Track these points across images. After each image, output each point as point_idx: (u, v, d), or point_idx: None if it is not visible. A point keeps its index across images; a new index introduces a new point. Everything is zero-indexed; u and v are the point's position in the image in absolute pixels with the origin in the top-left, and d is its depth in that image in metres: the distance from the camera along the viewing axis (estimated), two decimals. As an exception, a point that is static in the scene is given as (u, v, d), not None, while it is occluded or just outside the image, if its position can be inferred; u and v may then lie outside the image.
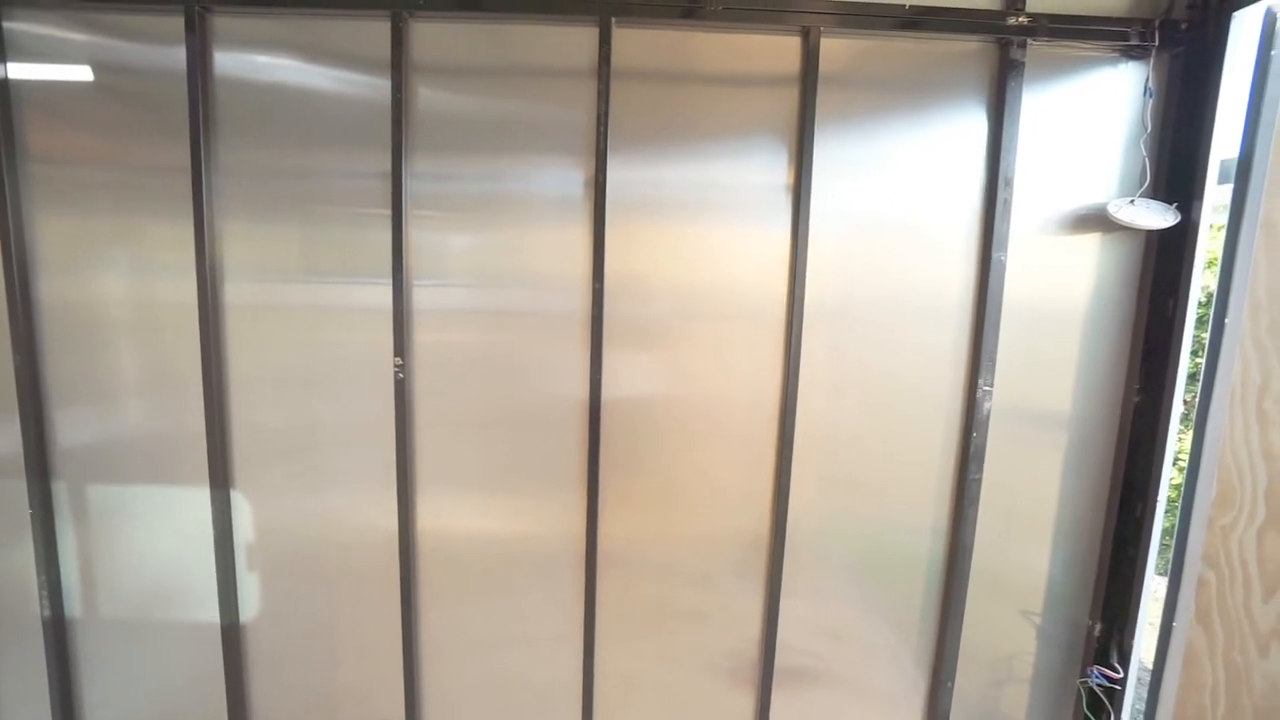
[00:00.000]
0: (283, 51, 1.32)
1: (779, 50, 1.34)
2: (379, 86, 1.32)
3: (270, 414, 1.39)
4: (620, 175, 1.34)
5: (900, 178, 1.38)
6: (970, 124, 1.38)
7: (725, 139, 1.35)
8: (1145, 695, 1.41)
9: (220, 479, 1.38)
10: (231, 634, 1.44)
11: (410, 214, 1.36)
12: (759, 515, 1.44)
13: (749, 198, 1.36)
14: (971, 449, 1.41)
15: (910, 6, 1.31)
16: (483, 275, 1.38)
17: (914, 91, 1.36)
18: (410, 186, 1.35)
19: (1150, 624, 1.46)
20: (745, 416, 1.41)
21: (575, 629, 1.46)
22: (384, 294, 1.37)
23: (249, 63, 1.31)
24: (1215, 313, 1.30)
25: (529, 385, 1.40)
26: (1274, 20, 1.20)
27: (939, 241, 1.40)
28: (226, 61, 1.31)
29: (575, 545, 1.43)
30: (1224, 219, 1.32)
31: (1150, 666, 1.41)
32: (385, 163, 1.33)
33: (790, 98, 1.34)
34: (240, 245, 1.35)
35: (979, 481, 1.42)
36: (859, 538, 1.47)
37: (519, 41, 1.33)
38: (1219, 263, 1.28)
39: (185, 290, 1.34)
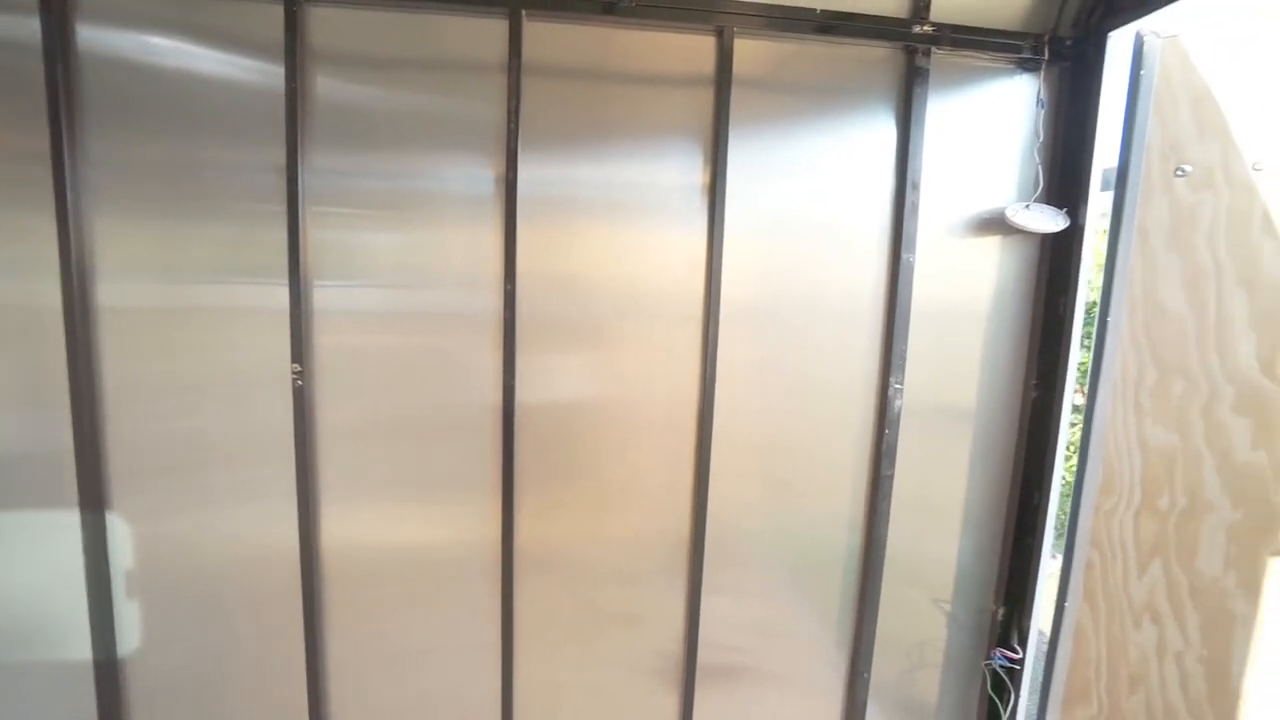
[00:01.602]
0: (161, 30, 1.26)
1: (695, 50, 1.38)
2: (273, 73, 1.28)
3: (152, 427, 1.33)
4: (533, 173, 1.36)
5: (815, 180, 1.45)
6: (880, 128, 1.47)
7: (641, 138, 1.39)
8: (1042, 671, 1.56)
9: (92, 499, 1.31)
10: (106, 671, 1.37)
11: (308, 210, 1.32)
12: (681, 514, 1.49)
13: (665, 198, 1.40)
14: (884, 446, 1.51)
15: (822, 11, 1.38)
16: (390, 276, 1.37)
17: (827, 95, 1.44)
18: (308, 181, 1.32)
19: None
20: (665, 416, 1.46)
21: (495, 639, 1.47)
22: (281, 295, 1.33)
23: (121, 40, 1.24)
24: (1099, 312, 1.45)
25: (441, 390, 1.39)
26: (1142, 43, 1.34)
27: (852, 242, 1.49)
28: (93, 38, 1.24)
29: (492, 553, 1.44)
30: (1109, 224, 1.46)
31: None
32: (280, 155, 1.29)
33: (706, 98, 1.39)
34: (116, 242, 1.29)
35: (891, 477, 1.52)
36: (780, 533, 1.55)
37: (425, 32, 1.31)
38: (1103, 267, 1.43)
39: (50, 292, 1.26)
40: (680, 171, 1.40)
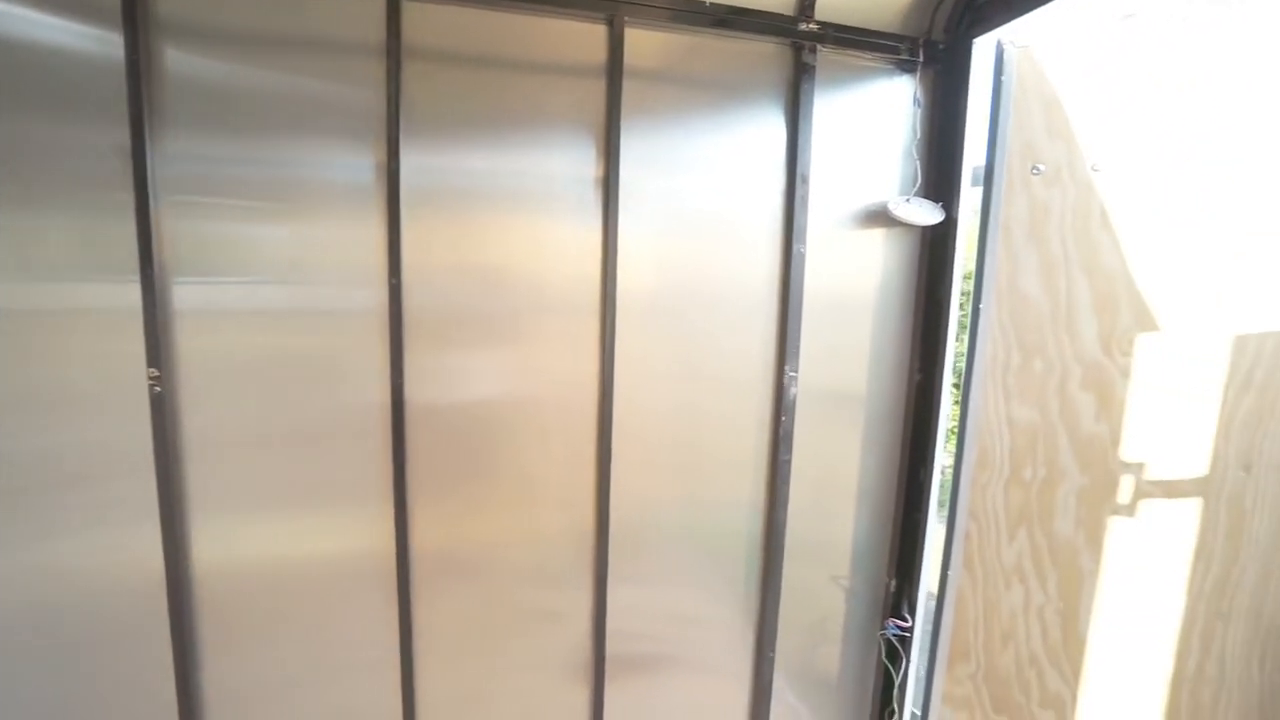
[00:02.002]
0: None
1: (587, 39, 1.37)
2: (113, 42, 1.16)
3: (-20, 446, 1.17)
4: (419, 162, 1.30)
5: (709, 173, 1.49)
6: (771, 123, 1.52)
7: (535, 128, 1.36)
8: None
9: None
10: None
11: (163, 200, 1.21)
12: (585, 509, 1.50)
13: (560, 190, 1.39)
14: (781, 431, 1.58)
15: (711, 4, 1.40)
16: (261, 271, 1.27)
17: (720, 90, 1.47)
18: (160, 168, 1.20)
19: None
20: (565, 411, 1.45)
21: (394, 652, 1.42)
22: (133, 294, 1.21)
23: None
24: (972, 300, 1.57)
25: (323, 392, 1.32)
26: (1002, 50, 1.46)
27: (747, 235, 1.53)
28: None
29: (387, 562, 1.38)
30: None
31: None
32: (125, 137, 1.17)
33: (600, 89, 1.38)
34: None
35: (788, 463, 1.59)
36: (685, 521, 1.58)
37: (292, 6, 1.22)
38: (975, 259, 1.55)
39: None
40: (574, 163, 1.39)
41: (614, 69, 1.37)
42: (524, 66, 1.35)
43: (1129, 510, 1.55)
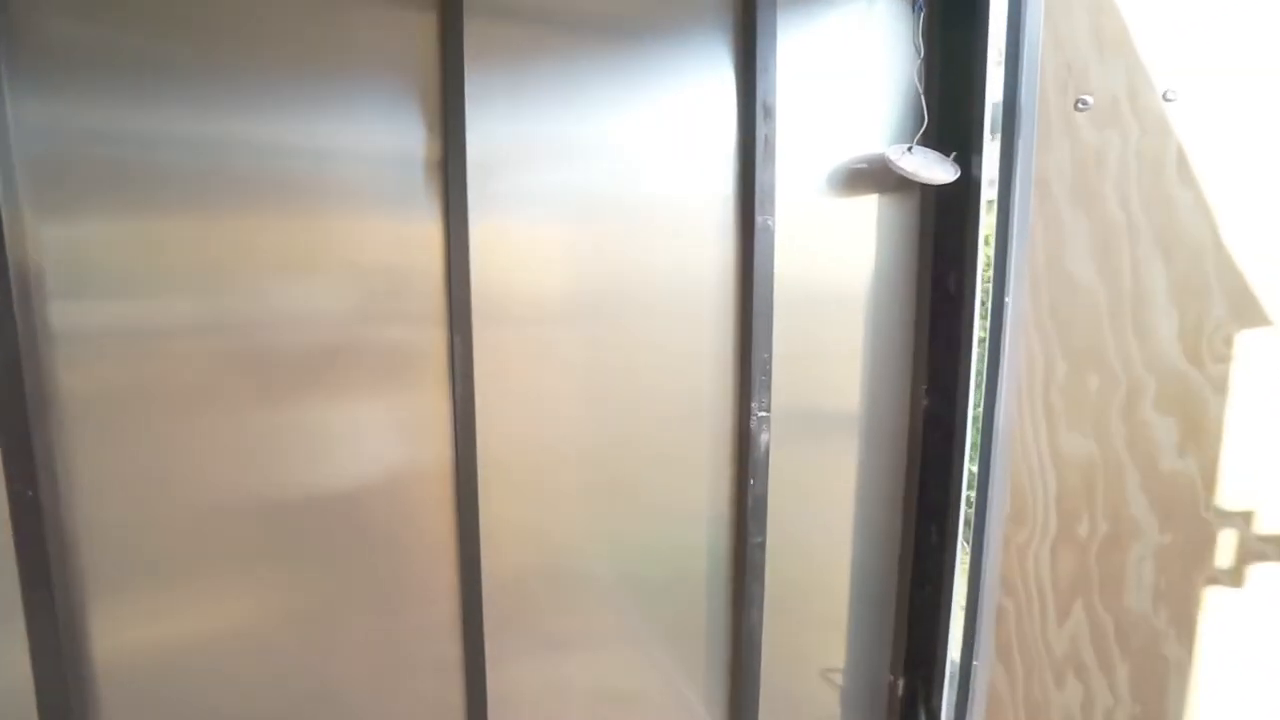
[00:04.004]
0: None
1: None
2: None
3: None
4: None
5: (627, 136, 1.04)
6: (713, 49, 1.08)
7: (333, 83, 0.88)
8: (954, 754, 1.27)
9: None
10: None
11: None
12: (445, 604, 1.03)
13: (377, 172, 0.92)
14: (751, 502, 1.14)
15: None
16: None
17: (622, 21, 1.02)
18: None
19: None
20: (413, 467, 0.98)
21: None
22: None
23: None
24: (994, 290, 1.16)
25: None
26: (1032, -77, 1.05)
27: (674, 211, 1.09)
28: None
29: None
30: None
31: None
32: None
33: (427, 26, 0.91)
34: None
35: (762, 545, 1.16)
36: (621, 624, 1.13)
37: None
38: (994, 231, 1.14)
39: None
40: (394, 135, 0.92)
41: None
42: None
43: (1231, 578, 1.16)
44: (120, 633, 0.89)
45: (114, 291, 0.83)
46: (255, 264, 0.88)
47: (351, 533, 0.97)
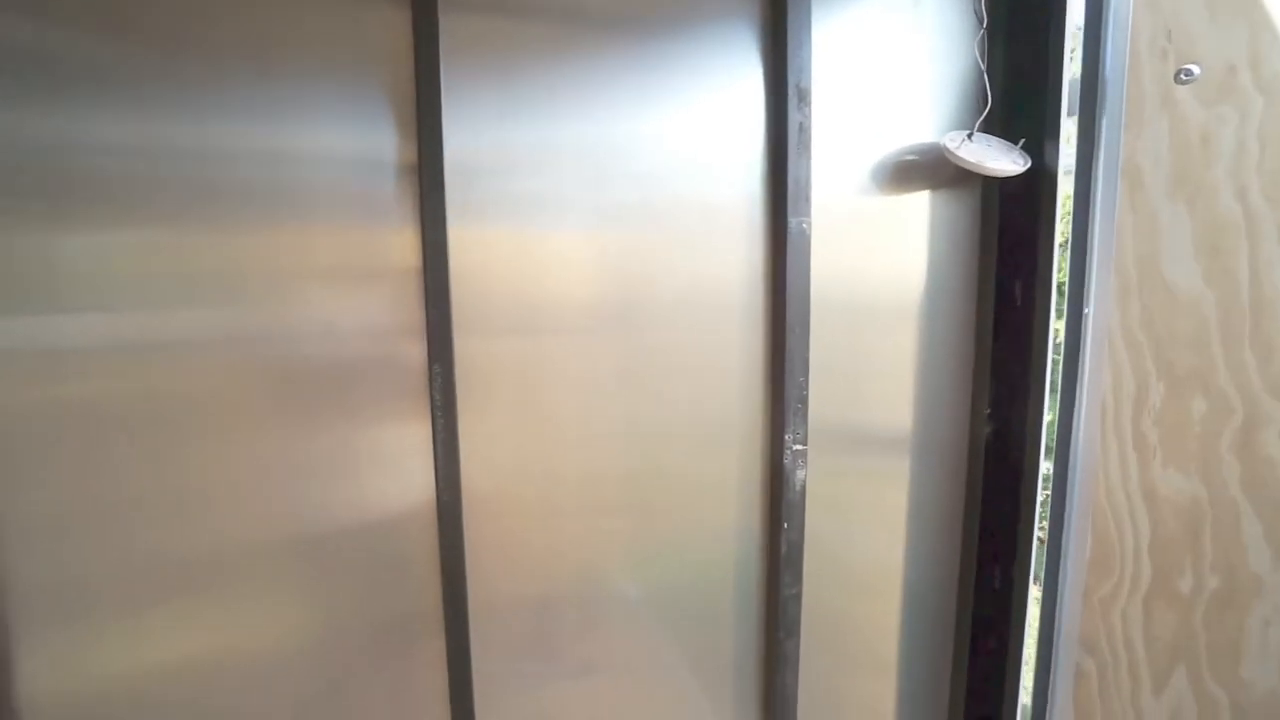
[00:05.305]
0: None
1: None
2: None
3: None
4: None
5: (633, 131, 0.96)
6: (734, 25, 0.98)
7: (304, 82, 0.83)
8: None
9: None
10: None
11: None
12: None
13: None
14: (784, 548, 1.03)
15: None
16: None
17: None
18: None
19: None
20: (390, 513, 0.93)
21: None
22: None
23: None
24: (1071, 299, 1.01)
25: None
26: None
27: (706, 215, 1.00)
28: None
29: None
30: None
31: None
32: None
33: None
34: None
35: (798, 598, 1.05)
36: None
37: None
38: (1070, 230, 0.98)
39: None
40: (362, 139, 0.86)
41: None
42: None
43: (1384, 656, 0.95)
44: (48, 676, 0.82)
45: (51, 305, 0.77)
46: (204, 277, 0.81)
47: (320, 568, 0.92)
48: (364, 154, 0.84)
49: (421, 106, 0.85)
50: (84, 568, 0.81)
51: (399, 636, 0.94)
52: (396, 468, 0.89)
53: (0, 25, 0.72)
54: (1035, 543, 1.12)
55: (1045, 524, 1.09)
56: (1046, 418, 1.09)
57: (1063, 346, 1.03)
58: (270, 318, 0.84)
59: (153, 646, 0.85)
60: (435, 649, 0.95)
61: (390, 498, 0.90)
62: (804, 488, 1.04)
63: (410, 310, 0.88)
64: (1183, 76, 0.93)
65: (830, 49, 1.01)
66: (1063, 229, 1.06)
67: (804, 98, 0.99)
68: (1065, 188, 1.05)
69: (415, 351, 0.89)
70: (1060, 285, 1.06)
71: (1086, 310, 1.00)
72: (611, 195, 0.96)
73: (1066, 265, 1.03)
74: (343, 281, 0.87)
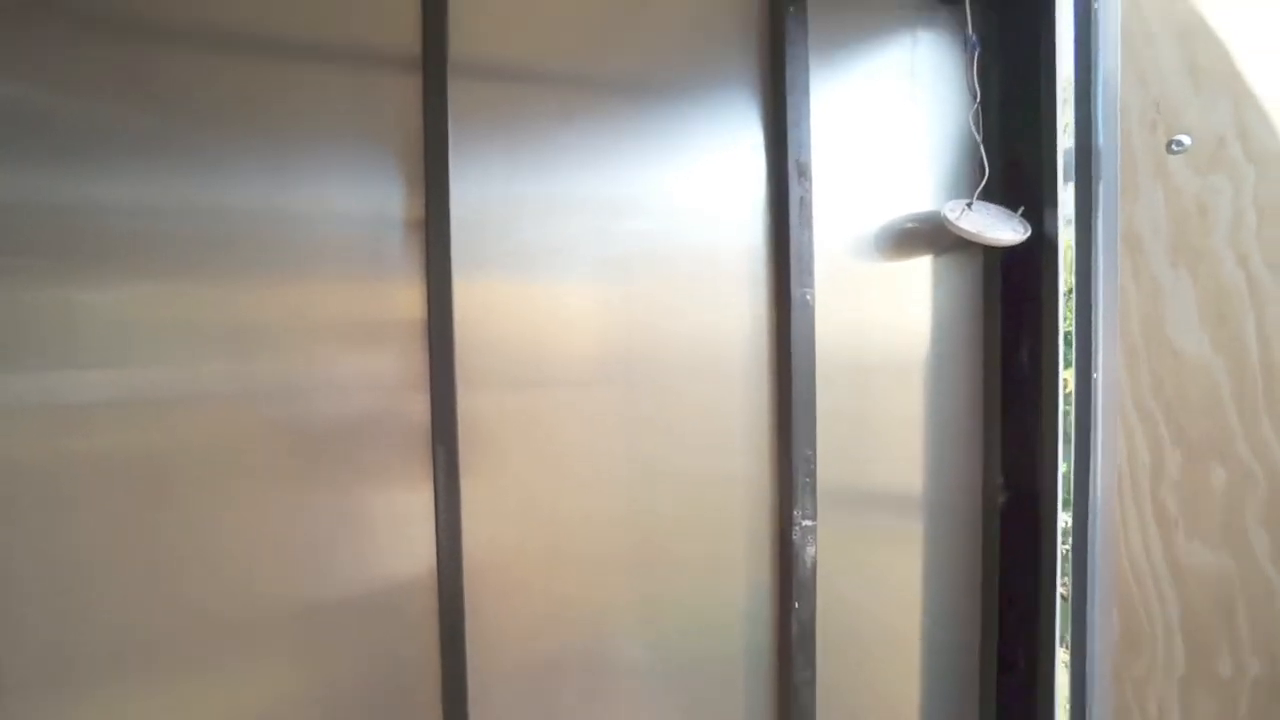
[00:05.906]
0: None
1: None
2: None
3: None
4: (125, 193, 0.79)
5: (633, 196, 0.97)
6: (734, 102, 1.01)
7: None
8: None
9: None
10: None
11: None
12: None
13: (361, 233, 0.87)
14: (795, 629, 0.99)
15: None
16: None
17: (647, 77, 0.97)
18: None
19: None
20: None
21: None
22: None
23: None
24: (1078, 365, 1.00)
25: None
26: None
27: (711, 280, 1.00)
28: None
29: None
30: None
31: None
32: None
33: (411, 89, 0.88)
34: None
35: (811, 684, 1.00)
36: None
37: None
38: (1074, 294, 0.99)
39: None
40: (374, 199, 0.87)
41: (432, 48, 0.86)
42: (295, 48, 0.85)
43: None
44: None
45: (47, 361, 0.76)
46: (213, 331, 0.81)
47: (317, 636, 0.87)
48: (372, 211, 0.86)
49: (430, 166, 0.87)
50: (73, 630, 0.78)
51: (397, 708, 0.89)
52: (397, 533, 0.87)
53: (19, 90, 0.75)
54: (1058, 610, 1.07)
55: (1066, 587, 1.05)
56: (1062, 486, 1.06)
57: (1074, 413, 1.02)
58: (277, 374, 0.84)
59: (142, 715, 0.81)
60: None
61: (390, 564, 0.88)
62: (814, 565, 1.00)
63: (416, 364, 0.88)
64: (1174, 147, 0.95)
65: (829, 120, 1.04)
66: (1067, 292, 1.06)
67: (804, 172, 1.02)
68: (1066, 246, 1.06)
69: (419, 407, 0.88)
70: (1067, 346, 1.06)
71: (1095, 375, 0.99)
72: (614, 249, 0.96)
73: (1074, 325, 1.02)
74: (349, 336, 0.87)
